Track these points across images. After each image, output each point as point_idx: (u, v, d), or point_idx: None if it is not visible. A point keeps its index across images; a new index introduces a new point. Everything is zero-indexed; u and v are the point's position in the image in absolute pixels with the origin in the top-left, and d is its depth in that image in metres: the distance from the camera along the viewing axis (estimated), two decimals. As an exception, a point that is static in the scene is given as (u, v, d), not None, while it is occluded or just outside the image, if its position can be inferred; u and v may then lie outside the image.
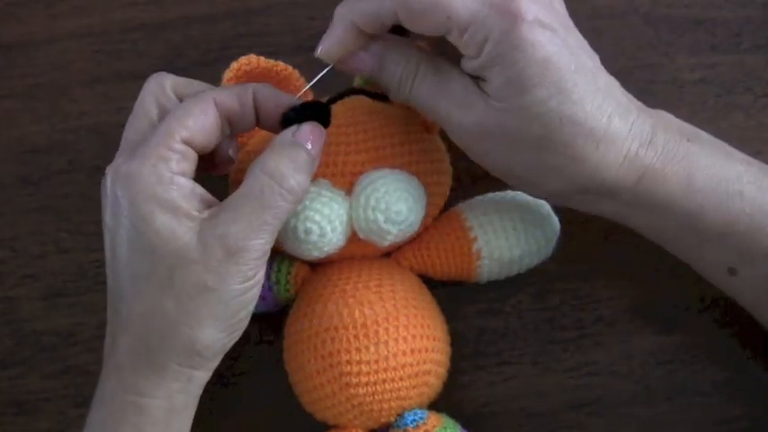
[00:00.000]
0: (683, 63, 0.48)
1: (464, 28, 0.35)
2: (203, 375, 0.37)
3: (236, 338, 0.37)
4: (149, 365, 0.35)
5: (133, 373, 0.35)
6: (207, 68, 0.48)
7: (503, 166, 0.38)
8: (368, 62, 0.38)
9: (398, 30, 0.37)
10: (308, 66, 0.45)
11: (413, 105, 0.39)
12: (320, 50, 0.38)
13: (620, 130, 0.36)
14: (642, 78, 0.47)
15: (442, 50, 0.38)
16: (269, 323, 0.44)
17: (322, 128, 0.38)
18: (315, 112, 0.38)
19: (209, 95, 0.37)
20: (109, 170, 0.36)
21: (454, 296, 0.44)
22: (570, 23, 0.37)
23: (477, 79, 0.37)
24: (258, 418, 0.44)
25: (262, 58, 0.42)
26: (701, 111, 0.47)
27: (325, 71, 0.39)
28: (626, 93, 0.38)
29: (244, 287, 0.35)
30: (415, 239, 0.43)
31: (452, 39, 0.36)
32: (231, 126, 0.38)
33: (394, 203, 0.39)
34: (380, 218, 0.39)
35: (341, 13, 0.37)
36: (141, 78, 0.48)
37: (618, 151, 0.36)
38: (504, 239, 0.42)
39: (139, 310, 0.35)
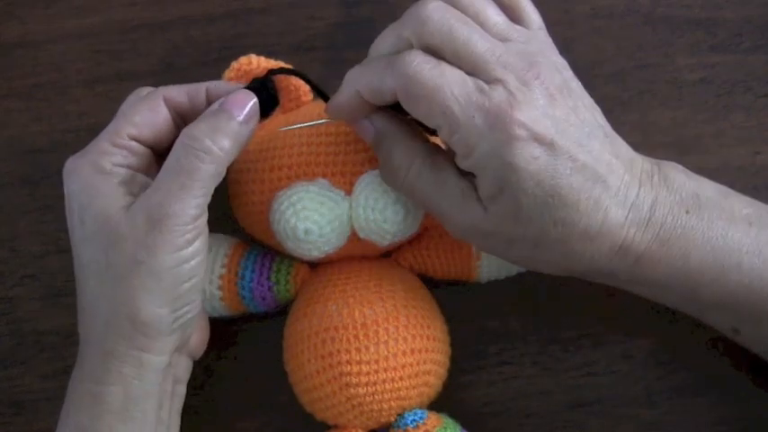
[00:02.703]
0: (683, 63, 0.48)
1: (455, 129, 0.34)
2: (155, 359, 0.36)
3: (184, 317, 0.36)
4: (99, 352, 0.35)
5: (89, 362, 0.36)
6: (207, 68, 0.48)
7: (499, 257, 0.39)
8: (369, 132, 0.38)
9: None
10: (308, 66, 0.45)
11: (405, 195, 0.38)
12: (327, 109, 0.38)
13: (617, 220, 0.35)
14: (642, 78, 0.47)
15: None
16: (269, 323, 0.44)
17: (251, 93, 0.37)
18: (259, 87, 0.38)
19: (159, 93, 0.38)
20: (63, 172, 0.37)
21: (454, 296, 0.44)
22: (576, 100, 0.36)
23: (472, 175, 0.36)
24: (258, 419, 0.44)
25: (262, 58, 0.43)
26: (701, 111, 0.47)
27: (321, 121, 0.40)
28: (631, 153, 0.37)
29: (175, 258, 0.35)
30: (415, 239, 0.43)
31: (443, 135, 0.35)
32: (185, 122, 0.38)
33: (393, 203, 0.39)
34: (380, 217, 0.39)
35: (348, 79, 0.37)
36: (141, 78, 0.48)
37: (613, 242, 0.35)
38: (504, 239, 0.42)
39: (86, 298, 0.36)
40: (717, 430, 0.43)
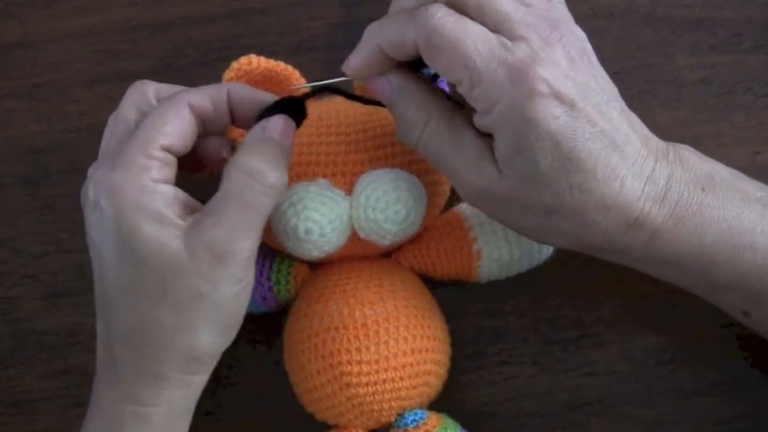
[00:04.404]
0: (683, 63, 0.48)
1: (476, 82, 0.34)
2: (202, 379, 0.37)
3: (232, 340, 0.37)
4: (150, 376, 0.35)
5: (133, 384, 0.35)
6: (207, 68, 0.48)
7: (510, 225, 0.38)
8: (386, 89, 0.38)
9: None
10: (308, 66, 0.45)
11: (421, 153, 0.38)
12: (346, 65, 0.38)
13: (633, 191, 0.35)
14: (642, 78, 0.47)
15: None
16: (269, 323, 0.44)
17: (291, 120, 0.37)
18: (289, 108, 0.38)
19: (183, 99, 0.37)
20: (90, 181, 0.35)
21: (454, 296, 0.44)
22: (595, 69, 0.36)
23: (489, 137, 0.36)
24: (258, 419, 0.44)
25: (262, 58, 0.43)
26: (701, 111, 0.47)
27: (338, 80, 0.39)
28: (645, 130, 0.37)
29: (236, 290, 0.35)
30: (415, 239, 0.43)
31: (463, 90, 0.35)
32: (204, 127, 0.38)
33: (394, 203, 0.39)
34: (380, 217, 0.39)
35: (369, 33, 0.37)
36: (141, 78, 0.48)
37: (629, 214, 0.35)
38: (503, 240, 0.42)
39: (134, 323, 0.35)
40: (717, 430, 0.43)
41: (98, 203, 0.35)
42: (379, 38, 0.36)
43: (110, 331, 0.36)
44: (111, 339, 0.36)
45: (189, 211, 0.36)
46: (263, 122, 0.37)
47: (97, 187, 0.35)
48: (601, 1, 0.48)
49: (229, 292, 0.35)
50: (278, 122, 0.37)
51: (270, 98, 0.38)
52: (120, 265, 0.35)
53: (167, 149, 0.36)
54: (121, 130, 0.37)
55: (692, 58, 0.48)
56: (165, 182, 0.35)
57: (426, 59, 0.35)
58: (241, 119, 0.38)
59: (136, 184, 0.34)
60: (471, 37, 0.34)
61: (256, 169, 0.35)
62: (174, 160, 0.36)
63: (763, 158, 0.46)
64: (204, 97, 0.37)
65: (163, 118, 0.36)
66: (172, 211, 0.35)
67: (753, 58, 0.48)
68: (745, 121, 0.47)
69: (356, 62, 0.37)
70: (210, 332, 0.35)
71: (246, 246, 0.35)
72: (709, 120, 0.47)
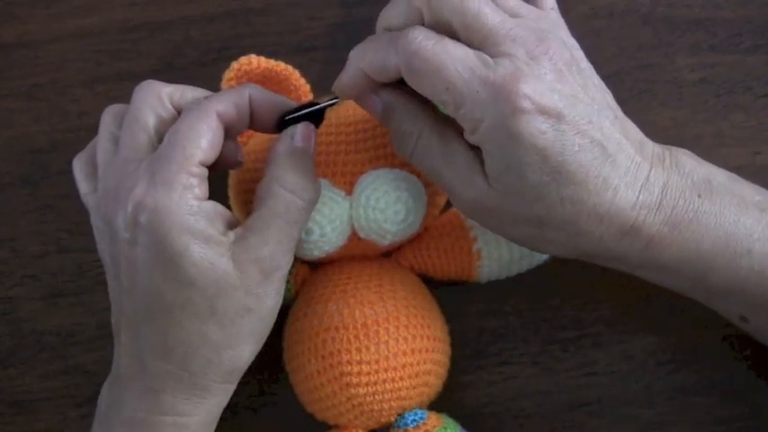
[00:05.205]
0: (683, 63, 0.48)
1: (460, 104, 0.34)
2: (236, 385, 0.38)
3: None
4: (191, 388, 0.36)
5: (173, 397, 0.35)
6: (207, 68, 0.48)
7: (504, 235, 0.38)
8: (377, 106, 0.38)
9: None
10: (308, 66, 0.45)
11: (415, 165, 0.38)
12: (335, 86, 0.38)
13: (627, 200, 0.35)
14: (642, 78, 0.47)
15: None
16: (269, 323, 0.44)
17: (313, 127, 0.38)
18: (309, 115, 0.38)
19: (211, 109, 0.36)
20: (129, 199, 0.34)
21: (454, 296, 0.44)
22: (586, 79, 0.35)
23: (479, 150, 0.35)
24: (258, 419, 0.44)
25: (262, 58, 0.43)
26: (701, 111, 0.47)
27: (334, 101, 0.39)
28: (640, 136, 0.37)
29: (277, 301, 0.36)
30: (415, 239, 0.43)
31: (449, 111, 0.35)
32: (226, 132, 0.37)
33: (394, 203, 0.39)
34: (380, 217, 0.39)
35: (352, 56, 0.37)
36: (141, 78, 0.48)
37: (623, 222, 0.35)
38: (503, 240, 0.42)
39: (178, 339, 0.35)
40: (717, 430, 0.43)
41: (138, 222, 0.34)
42: (362, 63, 0.36)
43: (142, 344, 0.35)
44: (142, 353, 0.35)
45: (228, 224, 0.36)
46: (290, 131, 0.37)
47: (139, 206, 0.34)
48: (601, 1, 0.48)
49: (272, 304, 0.36)
50: (304, 131, 0.37)
51: (289, 103, 0.38)
52: (161, 283, 0.34)
53: (203, 163, 0.35)
54: (143, 139, 0.36)
55: (692, 58, 0.48)
56: (205, 197, 0.35)
57: (409, 83, 0.35)
58: (259, 123, 0.38)
59: (183, 205, 0.34)
60: (452, 59, 0.34)
61: (299, 186, 0.36)
62: (207, 172, 0.36)
63: (763, 158, 0.46)
64: (229, 105, 0.36)
65: (197, 131, 0.35)
66: (215, 228, 0.35)
67: (753, 58, 0.48)
68: (745, 121, 0.47)
69: (343, 84, 0.38)
70: (253, 344, 0.36)
71: (288, 260, 0.36)
72: (709, 120, 0.47)
